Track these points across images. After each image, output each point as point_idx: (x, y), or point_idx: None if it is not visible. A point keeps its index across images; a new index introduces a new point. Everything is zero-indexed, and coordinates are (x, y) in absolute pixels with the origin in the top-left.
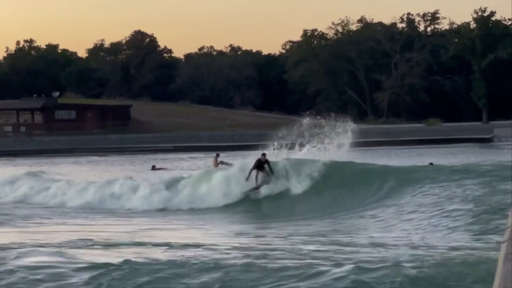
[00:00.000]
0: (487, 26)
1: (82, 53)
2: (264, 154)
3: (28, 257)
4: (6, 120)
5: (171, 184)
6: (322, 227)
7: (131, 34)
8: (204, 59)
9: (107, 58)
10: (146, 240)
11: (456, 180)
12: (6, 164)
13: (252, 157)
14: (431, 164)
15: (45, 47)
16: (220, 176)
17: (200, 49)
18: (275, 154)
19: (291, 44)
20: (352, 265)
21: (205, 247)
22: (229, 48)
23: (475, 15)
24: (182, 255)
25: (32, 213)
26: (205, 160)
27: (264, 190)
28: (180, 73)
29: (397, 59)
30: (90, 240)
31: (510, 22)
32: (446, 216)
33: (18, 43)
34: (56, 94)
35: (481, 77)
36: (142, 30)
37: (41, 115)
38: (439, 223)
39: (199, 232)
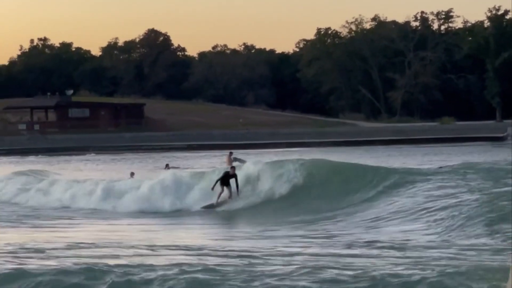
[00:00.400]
0: (501, 25)
1: (96, 52)
2: (233, 168)
3: None
4: (20, 118)
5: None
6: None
7: (145, 33)
8: (217, 58)
9: (121, 57)
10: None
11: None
12: (13, 162)
13: (265, 155)
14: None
15: (59, 45)
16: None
17: (213, 48)
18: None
19: (305, 42)
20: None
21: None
22: (242, 46)
23: (489, 14)
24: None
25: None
26: (218, 158)
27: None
28: (193, 72)
29: (410, 57)
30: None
31: None
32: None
33: (32, 41)
34: (70, 92)
35: (494, 76)
36: (155, 28)
37: (55, 113)
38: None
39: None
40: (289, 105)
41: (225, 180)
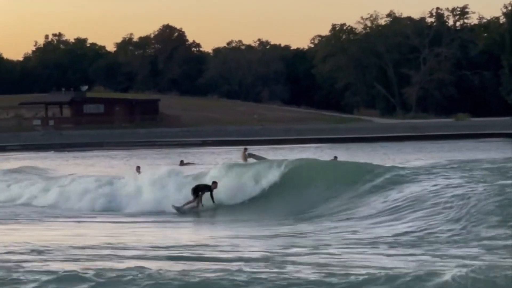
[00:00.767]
0: None
1: (111, 47)
2: (215, 183)
3: None
4: (35, 114)
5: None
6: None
7: (160, 28)
8: (232, 54)
9: (136, 52)
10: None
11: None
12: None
13: (280, 151)
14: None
15: (73, 41)
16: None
17: (228, 44)
18: None
19: (320, 38)
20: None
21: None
22: (257, 42)
23: (504, 10)
24: None
25: None
26: (233, 154)
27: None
28: (208, 68)
29: (425, 53)
30: None
31: None
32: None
33: (46, 37)
34: (85, 88)
35: (510, 72)
36: (170, 24)
37: (70, 109)
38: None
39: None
40: (304, 101)
41: (200, 190)
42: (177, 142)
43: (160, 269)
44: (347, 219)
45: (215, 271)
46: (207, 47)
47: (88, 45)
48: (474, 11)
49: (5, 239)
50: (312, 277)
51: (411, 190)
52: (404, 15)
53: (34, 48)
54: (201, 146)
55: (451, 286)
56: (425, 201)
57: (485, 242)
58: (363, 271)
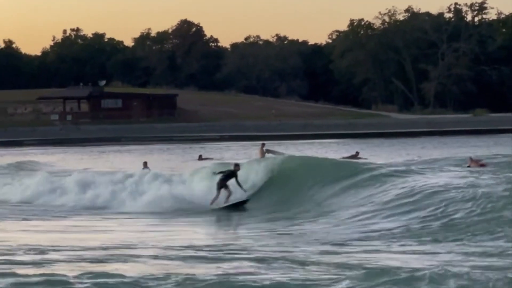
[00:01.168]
0: None
1: (129, 42)
2: (237, 165)
3: None
4: (53, 108)
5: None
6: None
7: (178, 23)
8: (250, 49)
9: (154, 47)
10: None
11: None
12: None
13: (298, 146)
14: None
15: (91, 36)
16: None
17: (246, 39)
18: None
19: (338, 33)
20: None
21: None
22: (275, 37)
23: None
24: None
25: None
26: (248, 149)
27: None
28: (226, 63)
29: (444, 49)
30: None
31: None
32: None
33: (64, 31)
34: (103, 82)
35: None
36: (188, 19)
37: (88, 104)
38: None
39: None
40: (322, 97)
41: (225, 180)
42: (195, 137)
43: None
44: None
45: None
46: (225, 42)
47: (106, 40)
48: (492, 6)
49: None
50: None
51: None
52: (422, 10)
53: (52, 43)
54: (218, 141)
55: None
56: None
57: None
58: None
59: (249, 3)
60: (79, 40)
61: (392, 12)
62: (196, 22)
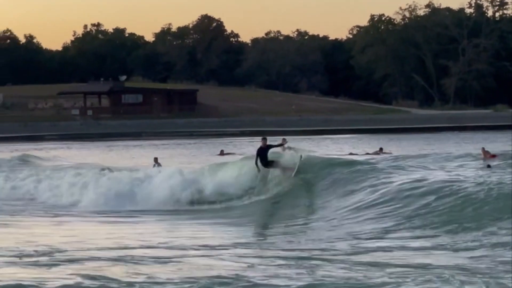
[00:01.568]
0: None
1: (149, 37)
2: (264, 139)
3: None
4: (74, 103)
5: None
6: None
7: (198, 19)
8: (270, 44)
9: (174, 42)
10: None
11: None
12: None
13: (319, 142)
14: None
15: (112, 31)
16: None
17: (267, 34)
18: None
19: (358, 29)
20: None
21: None
22: (296, 33)
23: None
24: None
25: None
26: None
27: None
28: (246, 58)
29: (464, 44)
30: None
31: None
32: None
33: (85, 27)
34: (123, 78)
35: None
36: (209, 14)
37: (108, 99)
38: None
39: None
40: (342, 92)
41: (262, 160)
42: (215, 132)
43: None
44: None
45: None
46: (246, 37)
47: (127, 35)
48: None
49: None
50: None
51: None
52: (443, 6)
53: (73, 38)
54: (239, 136)
55: None
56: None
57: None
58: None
59: None
60: (100, 35)
61: (412, 7)
62: (216, 17)
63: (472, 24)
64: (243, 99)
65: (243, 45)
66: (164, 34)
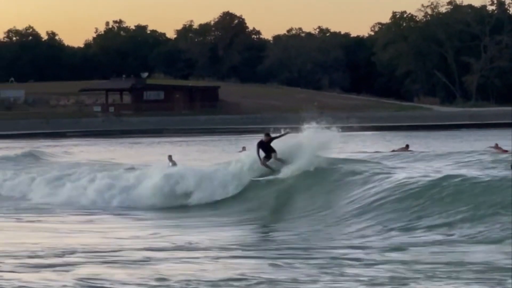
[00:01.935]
0: None
1: (171, 34)
2: (267, 134)
3: None
4: (95, 100)
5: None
6: None
7: (220, 16)
8: (292, 41)
9: (196, 39)
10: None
11: None
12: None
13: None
14: None
15: (134, 28)
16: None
17: (288, 31)
18: None
19: (380, 26)
20: None
21: None
22: (317, 29)
23: None
24: None
25: None
26: None
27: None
28: (268, 55)
29: (486, 41)
30: None
31: None
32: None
33: (107, 23)
34: (145, 74)
35: None
36: (230, 11)
37: (130, 96)
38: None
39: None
40: (364, 89)
41: (264, 153)
42: (237, 129)
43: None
44: None
45: None
46: (267, 34)
47: (149, 32)
48: None
49: None
50: None
51: None
52: (465, 3)
53: (95, 35)
54: (260, 133)
55: None
56: None
57: None
58: None
59: None
60: (121, 32)
61: (434, 4)
62: (238, 14)
63: (494, 21)
64: (265, 96)
65: (264, 42)
66: (186, 31)
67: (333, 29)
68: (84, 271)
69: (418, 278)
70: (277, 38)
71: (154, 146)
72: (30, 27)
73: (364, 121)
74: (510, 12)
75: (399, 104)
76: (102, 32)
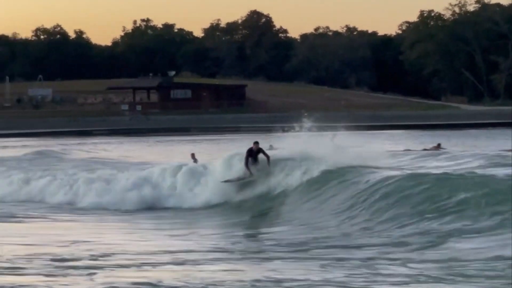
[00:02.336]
0: None
1: (198, 33)
2: (256, 143)
3: None
4: (123, 98)
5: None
6: None
7: (247, 14)
8: (319, 40)
9: (223, 38)
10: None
11: None
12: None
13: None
14: None
15: (161, 26)
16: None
17: (315, 29)
18: None
19: (408, 25)
20: None
21: None
22: (345, 28)
23: None
24: None
25: None
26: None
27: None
28: (295, 53)
29: None
30: None
31: None
32: None
33: (135, 22)
34: (172, 73)
35: None
36: (258, 10)
37: (157, 94)
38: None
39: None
40: (391, 88)
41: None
42: (264, 128)
43: None
44: None
45: None
46: (294, 33)
47: (176, 30)
48: None
49: None
50: None
51: None
52: (493, 1)
53: (122, 33)
54: (287, 132)
55: None
56: None
57: None
58: None
59: None
60: (149, 30)
61: (462, 3)
62: (265, 13)
63: None
64: (292, 95)
65: (292, 40)
66: (213, 30)
67: (360, 28)
68: None
69: None
70: (304, 36)
71: (183, 144)
72: (58, 25)
73: (391, 120)
74: None
75: (426, 103)
76: (130, 31)
